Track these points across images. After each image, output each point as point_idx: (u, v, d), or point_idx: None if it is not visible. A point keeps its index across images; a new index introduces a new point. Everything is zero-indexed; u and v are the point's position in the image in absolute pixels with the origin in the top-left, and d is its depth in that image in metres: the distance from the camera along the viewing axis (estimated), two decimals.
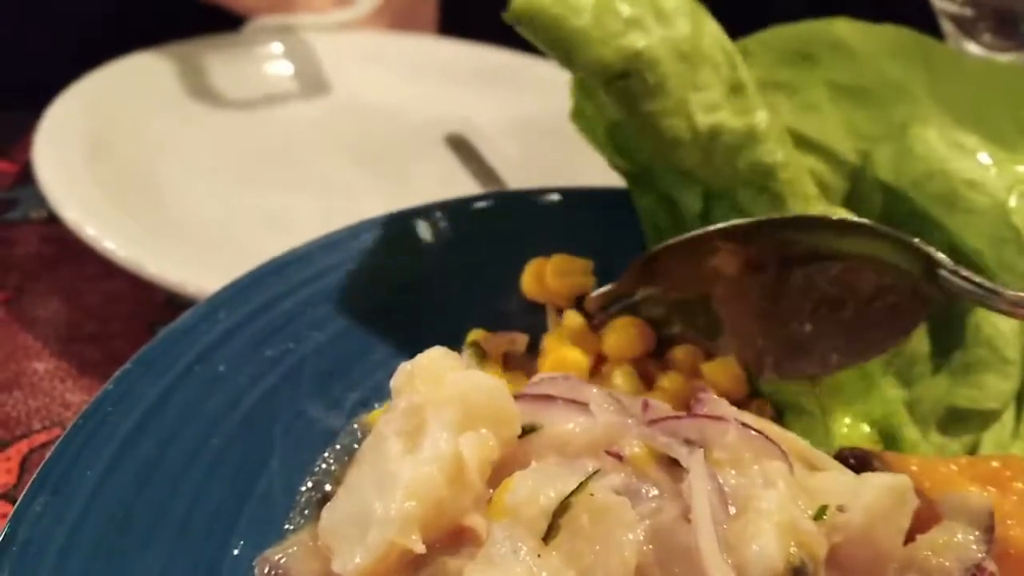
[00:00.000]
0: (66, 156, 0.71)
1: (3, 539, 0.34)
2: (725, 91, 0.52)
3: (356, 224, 0.54)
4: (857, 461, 0.45)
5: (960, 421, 0.52)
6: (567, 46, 0.48)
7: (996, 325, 0.53)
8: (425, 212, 0.56)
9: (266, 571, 0.37)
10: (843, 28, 0.61)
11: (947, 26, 0.74)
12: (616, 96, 0.50)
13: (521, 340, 0.53)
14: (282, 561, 0.37)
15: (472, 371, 0.40)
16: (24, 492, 0.36)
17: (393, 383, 0.40)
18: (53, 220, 0.74)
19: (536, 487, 0.35)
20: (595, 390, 0.43)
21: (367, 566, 0.34)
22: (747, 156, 0.52)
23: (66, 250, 0.70)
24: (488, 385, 0.38)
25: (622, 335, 0.52)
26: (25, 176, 0.79)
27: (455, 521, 0.36)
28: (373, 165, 0.85)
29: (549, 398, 0.42)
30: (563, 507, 0.34)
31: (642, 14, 0.50)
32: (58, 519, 0.35)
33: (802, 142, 0.59)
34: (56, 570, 0.33)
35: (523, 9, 0.47)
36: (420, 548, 0.34)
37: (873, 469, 0.44)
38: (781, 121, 0.55)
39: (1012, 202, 0.55)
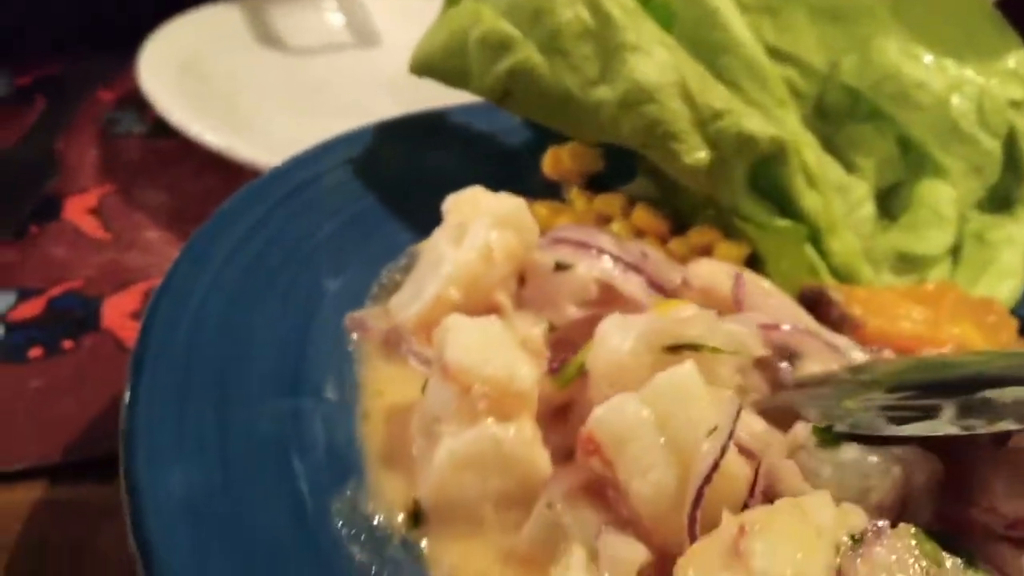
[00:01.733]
0: (164, 78, 0.86)
1: (158, 294, 0.47)
2: (601, 63, 0.57)
3: (385, 121, 0.67)
4: (813, 294, 0.57)
5: (907, 264, 0.64)
6: (460, 85, 0.61)
7: (936, 192, 0.65)
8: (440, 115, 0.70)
9: (348, 323, 0.50)
10: None
11: None
12: (514, 109, 0.61)
13: None
14: (361, 316, 0.51)
15: (501, 194, 0.53)
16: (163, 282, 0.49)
17: (444, 207, 0.54)
18: (151, 135, 0.90)
19: None
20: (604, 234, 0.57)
21: (422, 313, 0.48)
22: (643, 112, 0.57)
23: (165, 156, 0.85)
24: (513, 203, 0.52)
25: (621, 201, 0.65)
26: (125, 102, 0.95)
27: (487, 294, 0.49)
28: (409, 101, 0.99)
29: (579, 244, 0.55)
30: None
31: (510, 33, 0.58)
32: (192, 290, 0.49)
33: (779, 55, 0.71)
34: (198, 309, 0.47)
35: (419, 66, 0.62)
36: (458, 297, 0.47)
37: (826, 301, 0.57)
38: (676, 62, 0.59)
39: (953, 100, 0.67)
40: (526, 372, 0.42)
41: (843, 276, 0.62)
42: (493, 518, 0.42)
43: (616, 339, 0.43)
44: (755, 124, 0.59)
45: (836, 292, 0.55)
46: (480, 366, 0.42)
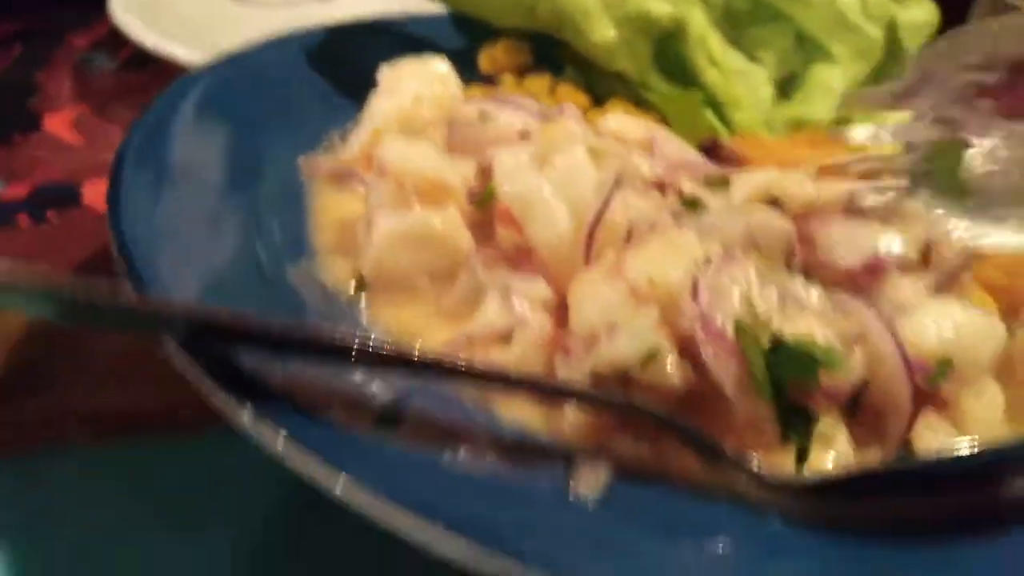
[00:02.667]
0: (135, 12, 0.94)
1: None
2: None
3: (330, 25, 0.75)
4: (707, 143, 0.66)
5: (800, 128, 0.73)
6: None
7: (827, 73, 0.75)
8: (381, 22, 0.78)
9: (301, 164, 0.58)
10: None
11: None
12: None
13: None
14: (312, 158, 0.59)
15: (428, 57, 0.62)
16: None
17: (378, 75, 0.62)
18: (123, 69, 0.98)
19: None
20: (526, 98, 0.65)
21: (362, 144, 0.56)
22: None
23: (136, 85, 0.93)
24: (439, 63, 0.61)
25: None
26: (98, 44, 1.03)
27: (419, 133, 0.58)
28: None
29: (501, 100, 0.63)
30: None
31: None
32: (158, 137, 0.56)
33: None
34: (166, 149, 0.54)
35: None
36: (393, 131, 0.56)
37: (717, 145, 0.66)
38: None
39: None
40: (454, 170, 0.51)
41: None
42: (425, 287, 0.50)
43: (510, 162, 0.51)
44: (654, 5, 0.68)
45: (726, 139, 0.64)
46: (414, 163, 0.50)
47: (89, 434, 0.52)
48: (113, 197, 0.47)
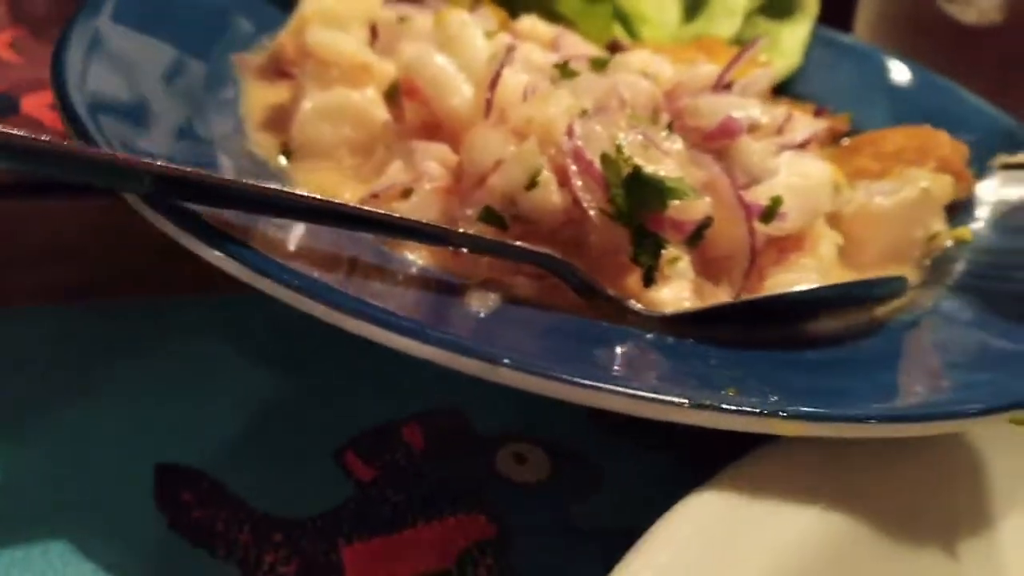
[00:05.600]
0: None
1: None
2: None
3: None
4: (611, 44, 0.74)
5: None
6: None
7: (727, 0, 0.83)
8: None
9: (234, 59, 0.64)
10: None
11: None
12: None
13: None
14: (244, 54, 0.65)
15: None
16: None
17: None
18: None
19: None
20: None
21: (287, 34, 0.63)
22: None
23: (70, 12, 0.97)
24: None
25: None
26: None
27: (344, 28, 0.64)
28: None
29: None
30: None
31: None
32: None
33: None
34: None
35: None
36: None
37: (619, 46, 0.74)
38: None
39: None
40: (373, 55, 0.57)
41: None
42: (346, 157, 0.56)
43: (412, 46, 0.58)
44: None
45: (628, 42, 0.72)
46: (337, 45, 0.57)
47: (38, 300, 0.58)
48: (58, 72, 0.53)
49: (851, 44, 0.92)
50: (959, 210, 0.67)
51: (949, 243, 0.63)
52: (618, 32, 0.78)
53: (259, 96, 0.62)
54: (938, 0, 1.05)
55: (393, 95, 0.59)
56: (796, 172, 0.53)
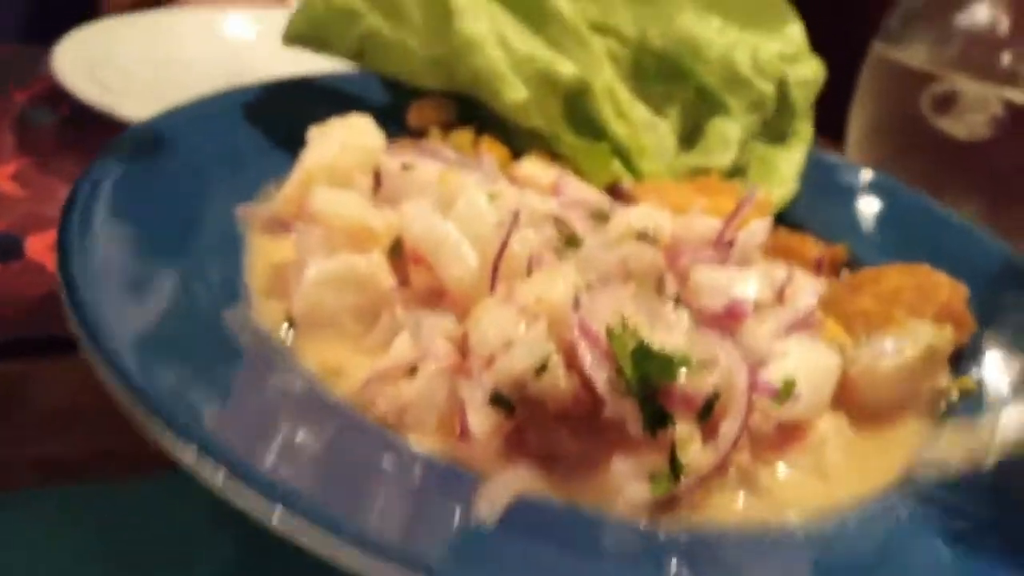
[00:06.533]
0: (78, 68, 1.01)
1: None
2: (434, 24, 0.75)
3: (265, 82, 0.83)
4: (611, 187, 0.75)
5: (700, 175, 0.83)
6: (323, 51, 0.79)
7: (724, 125, 0.85)
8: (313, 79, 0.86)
9: (239, 212, 0.65)
10: None
11: None
12: (369, 67, 0.79)
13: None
14: (248, 207, 0.66)
15: (355, 117, 0.69)
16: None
17: (308, 135, 0.69)
18: (64, 124, 1.03)
19: None
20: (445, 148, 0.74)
21: (291, 190, 0.64)
22: (470, 61, 0.75)
23: (77, 139, 1.00)
24: (361, 117, 0.69)
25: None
26: (38, 99, 1.09)
27: (345, 179, 0.65)
28: None
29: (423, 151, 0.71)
30: None
31: (357, 6, 0.75)
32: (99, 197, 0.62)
33: (600, 29, 0.90)
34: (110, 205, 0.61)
35: (290, 38, 0.79)
36: (320, 179, 0.63)
37: (621, 193, 0.75)
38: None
39: (735, 54, 0.88)
40: (377, 217, 0.58)
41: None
42: (350, 325, 0.57)
43: (414, 210, 0.59)
44: (561, 66, 0.77)
45: (627, 185, 0.73)
46: (340, 210, 0.58)
47: (37, 479, 0.57)
48: (62, 246, 0.53)
49: (844, 166, 0.94)
50: (961, 354, 0.67)
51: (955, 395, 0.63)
52: (616, 168, 0.79)
53: (264, 253, 0.63)
54: (928, 115, 1.08)
55: (396, 252, 0.60)
56: (805, 357, 0.54)
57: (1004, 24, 1.05)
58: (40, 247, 0.78)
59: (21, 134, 1.01)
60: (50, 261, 0.77)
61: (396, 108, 0.86)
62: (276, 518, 0.40)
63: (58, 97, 1.04)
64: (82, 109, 0.97)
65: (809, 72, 0.89)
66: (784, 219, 0.83)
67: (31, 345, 0.66)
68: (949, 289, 0.67)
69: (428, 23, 0.75)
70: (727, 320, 0.57)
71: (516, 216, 0.55)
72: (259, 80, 0.83)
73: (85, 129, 1.01)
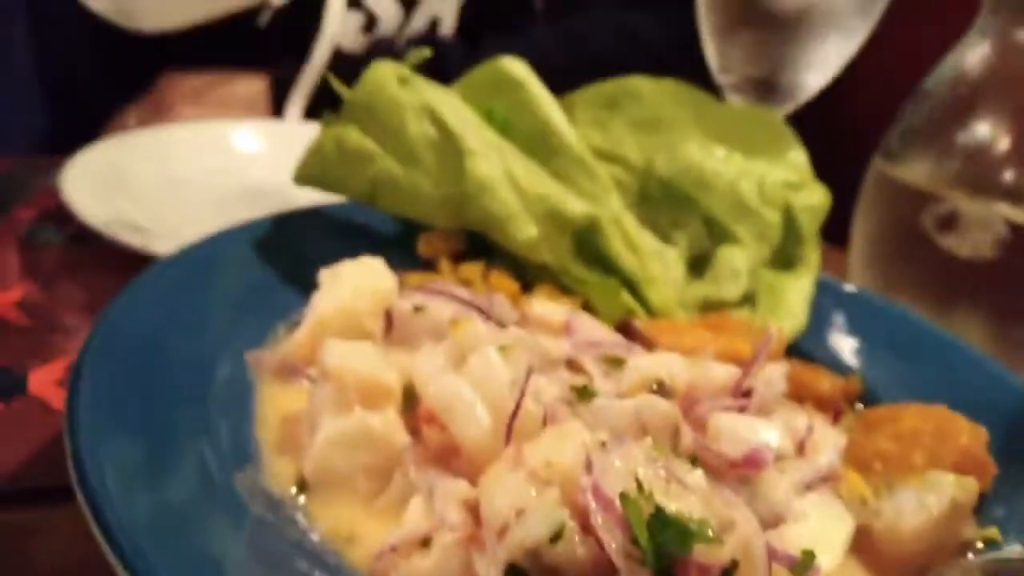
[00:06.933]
0: (85, 188, 1.02)
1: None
2: (446, 166, 0.77)
3: (278, 213, 0.83)
4: (622, 324, 0.75)
5: (710, 309, 0.83)
6: (335, 191, 0.79)
7: (732, 254, 0.85)
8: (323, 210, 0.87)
9: (249, 358, 0.64)
10: (638, 82, 0.96)
11: (725, 89, 1.11)
12: (381, 208, 0.79)
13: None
14: (259, 352, 0.65)
15: (367, 259, 0.70)
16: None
17: (319, 278, 0.70)
18: (69, 244, 1.04)
19: None
20: (458, 287, 0.74)
21: (304, 337, 0.63)
22: (481, 203, 0.76)
23: (83, 260, 1.00)
24: (373, 260, 0.69)
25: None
26: (44, 218, 1.09)
27: (358, 324, 0.65)
28: None
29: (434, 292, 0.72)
30: None
31: (371, 148, 0.77)
32: (115, 339, 0.62)
33: (605, 156, 0.92)
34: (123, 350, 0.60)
35: (301, 178, 0.80)
36: (333, 324, 0.63)
37: (634, 332, 0.75)
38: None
39: (741, 183, 0.89)
40: (392, 372, 0.58)
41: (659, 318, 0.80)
42: (363, 485, 0.56)
43: (427, 366, 0.59)
44: (571, 205, 0.78)
45: (639, 322, 0.73)
46: (354, 366, 0.57)
47: None
48: (71, 406, 0.53)
49: (854, 294, 0.94)
50: (984, 499, 0.66)
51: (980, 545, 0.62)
52: (626, 300, 0.79)
53: (275, 403, 0.62)
54: (931, 234, 1.09)
55: (409, 405, 0.59)
56: (823, 520, 0.53)
57: (1005, 141, 1.07)
58: (43, 383, 0.78)
59: (25, 255, 1.01)
60: (55, 397, 0.76)
61: (406, 237, 0.86)
62: None
63: (64, 215, 1.05)
64: (89, 229, 0.98)
65: (815, 199, 0.90)
66: (793, 349, 0.83)
67: (34, 494, 0.65)
68: (969, 433, 0.67)
69: (440, 165, 0.76)
70: (746, 468, 0.56)
71: (529, 373, 0.55)
72: (271, 200, 0.83)
73: (92, 248, 1.02)
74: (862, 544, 0.57)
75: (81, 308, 0.90)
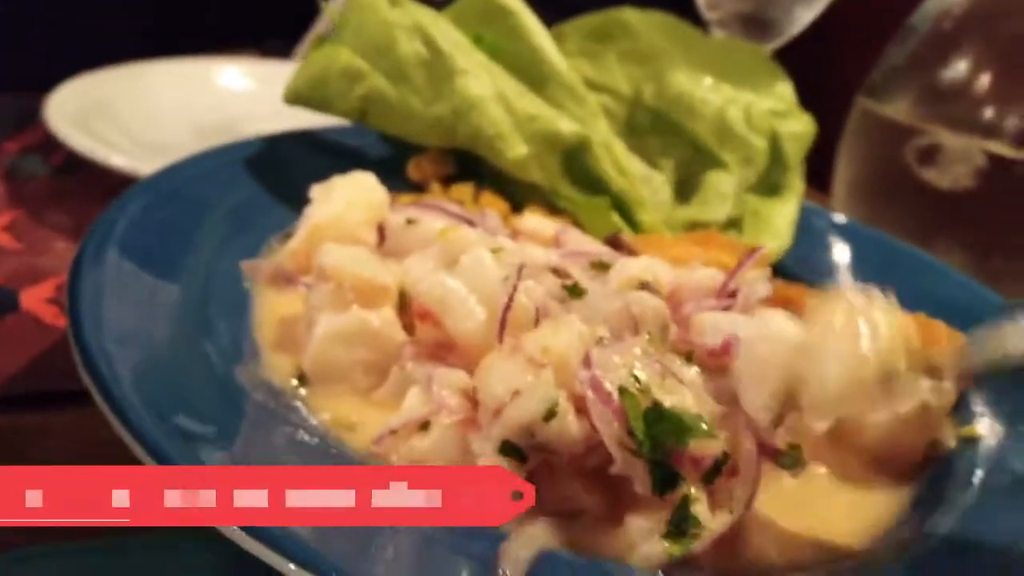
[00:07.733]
0: (70, 117, 1.02)
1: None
2: (436, 85, 0.78)
3: (268, 135, 0.84)
4: (610, 239, 0.77)
5: (697, 230, 0.85)
6: (325, 111, 0.80)
7: (718, 178, 0.87)
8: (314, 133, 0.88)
9: (244, 267, 0.65)
10: (628, 14, 0.97)
11: (712, 25, 1.12)
12: (371, 126, 0.80)
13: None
14: (254, 261, 0.66)
15: (359, 174, 0.71)
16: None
17: (311, 193, 0.71)
18: (55, 175, 1.04)
19: None
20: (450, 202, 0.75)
21: (299, 245, 0.65)
22: (471, 120, 0.78)
23: (69, 190, 1.00)
24: (365, 175, 0.70)
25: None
26: (28, 150, 1.09)
27: (352, 233, 0.66)
28: None
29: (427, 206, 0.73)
30: None
31: (361, 66, 0.77)
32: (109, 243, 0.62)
33: (595, 86, 0.93)
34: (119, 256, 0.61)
35: (291, 96, 0.80)
36: (327, 233, 0.64)
37: (622, 244, 0.76)
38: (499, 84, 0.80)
39: (728, 110, 0.91)
40: (387, 273, 0.59)
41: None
42: (362, 380, 0.57)
43: (418, 267, 0.61)
44: (561, 124, 0.79)
45: (626, 236, 0.75)
46: (351, 266, 0.59)
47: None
48: (72, 306, 0.54)
49: (835, 218, 0.97)
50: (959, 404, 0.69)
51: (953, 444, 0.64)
52: (616, 220, 0.81)
53: (272, 308, 0.63)
54: (913, 167, 1.12)
55: (403, 307, 0.61)
56: None
57: (985, 78, 1.09)
58: (35, 300, 0.78)
59: (12, 185, 1.01)
60: (46, 314, 0.77)
61: (395, 161, 0.87)
62: (292, 571, 0.41)
63: (50, 147, 1.05)
64: (75, 159, 0.98)
65: (800, 127, 0.92)
66: (777, 271, 0.85)
67: (29, 400, 0.66)
68: (947, 338, 0.69)
69: (430, 83, 0.77)
70: (724, 355, 0.57)
71: (520, 269, 0.57)
72: (255, 133, 0.84)
73: (78, 178, 1.02)
74: (834, 437, 0.59)
75: (69, 232, 0.91)
